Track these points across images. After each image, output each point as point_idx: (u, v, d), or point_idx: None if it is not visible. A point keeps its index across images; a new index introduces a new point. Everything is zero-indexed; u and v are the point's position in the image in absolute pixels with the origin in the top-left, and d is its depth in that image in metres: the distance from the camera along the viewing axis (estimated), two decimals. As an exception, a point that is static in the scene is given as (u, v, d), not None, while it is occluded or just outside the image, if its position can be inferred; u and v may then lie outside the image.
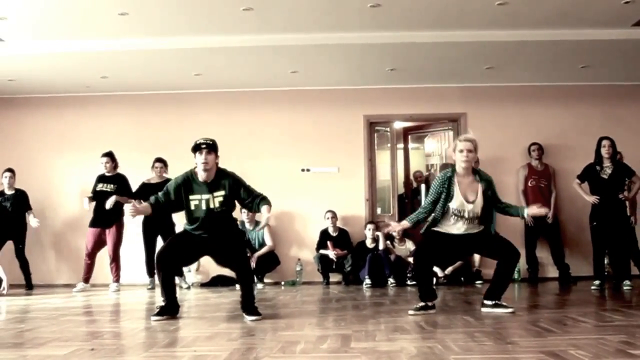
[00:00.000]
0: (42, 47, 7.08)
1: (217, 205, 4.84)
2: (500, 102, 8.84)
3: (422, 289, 5.06)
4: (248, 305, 4.91)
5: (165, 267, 4.95)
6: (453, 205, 4.92)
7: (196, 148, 4.79)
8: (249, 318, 4.78)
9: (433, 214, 5.00)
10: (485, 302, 5.01)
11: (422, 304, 4.98)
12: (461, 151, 4.91)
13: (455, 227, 4.98)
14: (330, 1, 6.05)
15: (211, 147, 4.80)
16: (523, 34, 6.89)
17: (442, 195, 4.92)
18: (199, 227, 4.91)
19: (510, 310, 4.87)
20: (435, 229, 5.04)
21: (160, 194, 4.96)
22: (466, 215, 4.92)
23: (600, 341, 3.49)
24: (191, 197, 4.86)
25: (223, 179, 4.89)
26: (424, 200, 5.18)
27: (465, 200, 4.92)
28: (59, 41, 6.99)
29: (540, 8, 6.23)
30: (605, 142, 6.99)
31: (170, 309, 4.98)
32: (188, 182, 4.88)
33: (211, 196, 4.84)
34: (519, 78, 8.61)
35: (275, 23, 6.58)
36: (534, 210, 5.13)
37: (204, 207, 4.85)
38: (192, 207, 4.87)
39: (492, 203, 5.07)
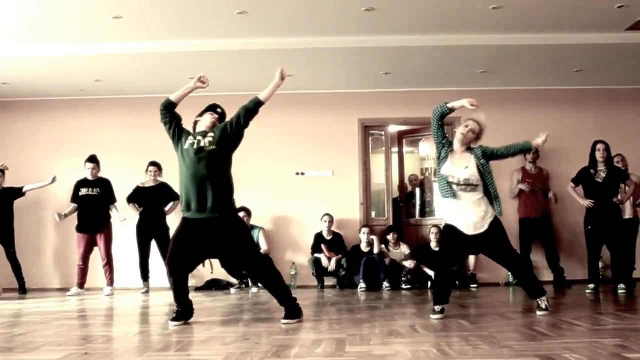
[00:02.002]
0: (36, 50, 7.06)
1: (207, 144, 4.75)
2: (495, 106, 8.82)
3: (439, 292, 5.02)
4: (286, 305, 4.82)
5: (176, 271, 4.80)
6: (445, 172, 4.96)
7: (211, 108, 5.06)
8: (284, 322, 4.69)
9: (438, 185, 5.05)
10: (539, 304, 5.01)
11: (439, 307, 4.93)
12: (466, 126, 5.08)
13: (459, 204, 4.92)
14: (324, 5, 6.05)
15: (222, 116, 5.06)
16: (517, 38, 6.91)
17: (444, 142, 5.06)
18: (191, 182, 4.69)
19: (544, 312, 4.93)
20: (448, 220, 5.04)
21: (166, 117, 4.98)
22: (456, 181, 4.91)
23: (595, 345, 3.49)
24: (183, 138, 4.84)
25: (218, 128, 4.93)
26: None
27: (455, 166, 4.97)
28: (53, 45, 6.98)
29: (534, 12, 6.25)
30: (599, 146, 7.01)
31: (185, 314, 4.87)
32: (186, 131, 4.93)
33: (202, 138, 4.81)
34: (514, 82, 8.63)
35: (270, 27, 6.58)
36: (539, 140, 5.10)
37: (195, 146, 4.76)
38: (186, 146, 4.78)
39: (494, 157, 5.19)
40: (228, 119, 5.07)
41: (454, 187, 4.93)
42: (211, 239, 4.73)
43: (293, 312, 4.82)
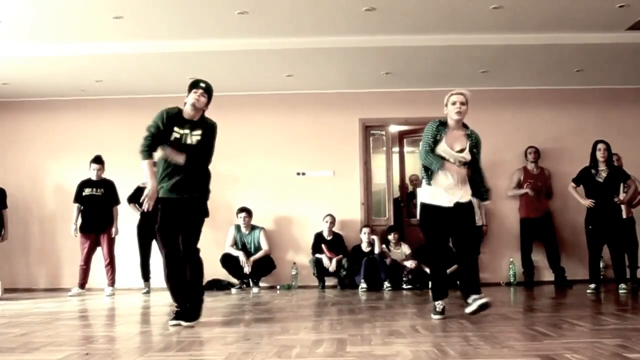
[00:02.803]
0: (37, 50, 7.06)
1: (193, 142, 4.73)
2: (496, 105, 8.84)
3: (438, 284, 4.94)
4: (192, 306, 4.77)
5: (171, 272, 4.79)
6: (438, 151, 4.80)
7: (194, 85, 4.80)
8: (184, 323, 4.62)
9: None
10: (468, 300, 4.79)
11: (439, 304, 4.87)
12: (454, 103, 4.86)
13: (445, 183, 4.77)
14: (325, 5, 6.05)
15: (207, 91, 4.81)
16: (518, 38, 6.91)
17: (437, 135, 4.83)
18: (172, 168, 4.73)
19: (486, 299, 4.66)
20: (427, 201, 4.84)
21: (151, 127, 4.83)
22: (450, 158, 4.79)
23: (596, 345, 3.49)
24: (175, 128, 4.75)
25: (205, 122, 4.83)
26: (421, 152, 4.90)
27: (450, 148, 4.82)
28: (53, 45, 6.98)
29: (535, 12, 6.24)
30: (600, 146, 7.01)
31: (184, 314, 4.79)
32: (176, 115, 4.81)
33: (190, 133, 4.74)
34: (514, 82, 8.63)
35: (270, 26, 6.58)
36: (486, 208, 4.96)
37: (183, 140, 4.74)
38: (172, 139, 4.75)
39: (474, 163, 4.92)
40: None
41: (446, 162, 4.78)
42: (178, 212, 4.77)
43: (194, 314, 4.73)
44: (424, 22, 6.50)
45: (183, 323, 4.63)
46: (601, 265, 7.56)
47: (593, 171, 7.04)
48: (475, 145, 4.91)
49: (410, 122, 9.25)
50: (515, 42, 6.99)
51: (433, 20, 6.45)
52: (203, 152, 4.78)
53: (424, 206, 4.93)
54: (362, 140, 8.94)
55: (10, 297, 7.59)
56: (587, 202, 7.08)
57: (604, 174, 6.99)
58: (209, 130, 4.81)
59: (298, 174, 8.88)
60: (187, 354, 3.55)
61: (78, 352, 3.64)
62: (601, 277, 7.34)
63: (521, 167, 8.49)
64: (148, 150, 4.85)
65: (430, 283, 5.26)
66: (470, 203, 4.89)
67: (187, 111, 4.79)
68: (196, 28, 6.60)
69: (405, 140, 9.79)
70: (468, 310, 4.77)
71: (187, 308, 4.75)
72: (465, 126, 4.99)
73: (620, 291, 6.74)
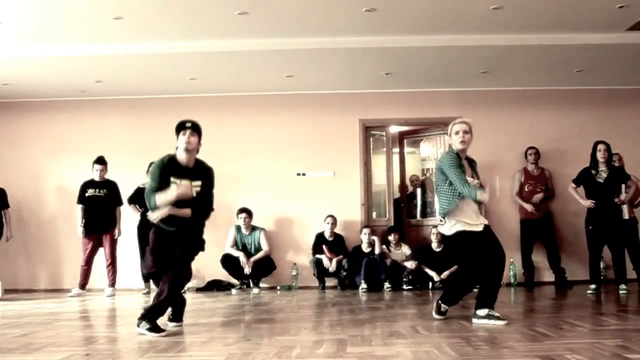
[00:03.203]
0: (37, 51, 7.06)
1: (193, 194, 4.53)
2: (496, 106, 8.85)
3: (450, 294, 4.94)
4: (174, 313, 4.77)
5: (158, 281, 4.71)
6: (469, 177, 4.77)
7: (180, 127, 4.56)
8: (143, 327, 4.40)
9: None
10: (478, 312, 4.71)
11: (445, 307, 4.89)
12: (457, 133, 4.83)
13: (472, 209, 4.76)
14: (325, 5, 6.05)
15: (195, 129, 4.57)
16: (518, 38, 6.91)
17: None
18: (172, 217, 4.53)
19: (503, 322, 4.56)
20: (462, 228, 4.73)
21: (152, 184, 4.54)
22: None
23: (597, 345, 3.49)
24: (172, 178, 4.50)
25: (203, 170, 4.64)
26: (452, 185, 4.72)
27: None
28: (53, 45, 6.98)
29: (535, 12, 6.24)
30: (600, 147, 7.01)
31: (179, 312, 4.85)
32: (172, 164, 4.55)
33: (189, 184, 4.53)
34: (515, 82, 8.63)
35: (271, 27, 6.58)
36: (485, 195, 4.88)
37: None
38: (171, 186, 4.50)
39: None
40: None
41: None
42: (175, 240, 4.63)
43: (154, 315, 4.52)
44: (424, 22, 6.50)
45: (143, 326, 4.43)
46: (601, 265, 7.57)
47: (593, 172, 7.04)
48: (474, 170, 4.96)
49: (410, 123, 9.25)
50: (515, 43, 6.99)
51: (433, 20, 6.45)
52: (206, 203, 4.63)
53: (462, 234, 4.76)
54: (363, 141, 8.94)
55: (11, 298, 7.59)
56: (588, 203, 7.08)
57: (604, 175, 6.99)
58: (207, 178, 4.64)
59: (298, 174, 8.88)
60: (187, 355, 3.55)
61: (78, 352, 3.64)
62: (601, 277, 7.34)
63: (521, 168, 8.49)
64: (153, 206, 4.57)
65: (447, 287, 5.21)
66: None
67: (181, 157, 4.56)
68: (196, 28, 6.60)
69: (405, 140, 9.79)
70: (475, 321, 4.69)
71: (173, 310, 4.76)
72: (468, 159, 4.98)
73: (621, 292, 6.74)
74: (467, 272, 5.06)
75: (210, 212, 4.72)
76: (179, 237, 4.60)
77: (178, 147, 4.56)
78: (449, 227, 4.75)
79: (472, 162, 4.98)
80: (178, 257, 4.58)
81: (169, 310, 4.77)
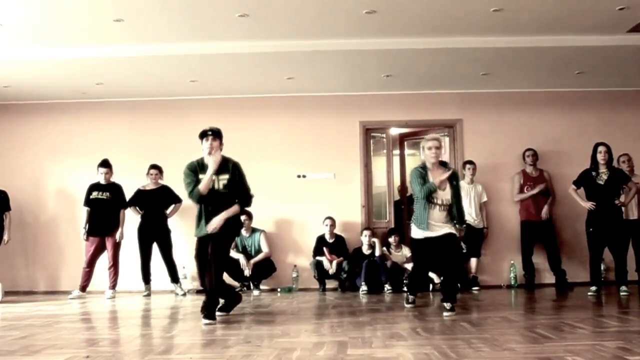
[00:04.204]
0: (38, 53, 7.06)
1: (221, 187, 5.30)
2: (496, 108, 8.85)
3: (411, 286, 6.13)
4: (226, 305, 5.55)
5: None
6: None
7: (203, 135, 5.38)
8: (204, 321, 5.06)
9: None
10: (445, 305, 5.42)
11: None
12: (429, 148, 5.70)
13: (432, 217, 5.62)
14: (325, 8, 6.05)
15: (216, 134, 5.38)
16: (518, 40, 6.90)
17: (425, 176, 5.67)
18: (205, 210, 5.31)
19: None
20: (416, 236, 5.75)
21: (189, 183, 5.32)
22: (439, 201, 5.60)
23: (597, 347, 3.49)
24: (200, 176, 5.31)
25: (227, 164, 5.38)
26: (416, 195, 5.82)
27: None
28: (54, 48, 6.98)
29: (535, 14, 6.24)
30: (601, 148, 7.01)
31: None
32: (199, 165, 5.38)
33: (216, 178, 5.29)
34: (515, 84, 8.62)
35: (271, 29, 6.58)
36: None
37: (212, 185, 5.28)
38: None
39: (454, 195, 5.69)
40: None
41: (434, 206, 5.64)
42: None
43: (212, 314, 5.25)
44: (425, 24, 6.50)
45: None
46: (602, 267, 7.56)
47: (594, 173, 7.04)
48: (453, 177, 5.69)
49: (410, 125, 9.25)
50: (515, 45, 6.98)
51: (433, 22, 6.44)
52: (242, 191, 5.47)
53: (414, 240, 5.89)
54: (363, 143, 8.93)
55: (11, 300, 7.58)
56: (588, 205, 7.07)
57: (604, 177, 6.99)
58: (234, 171, 5.39)
59: (299, 176, 8.88)
60: (187, 357, 3.55)
61: (79, 354, 3.64)
62: (602, 279, 7.33)
63: (520, 170, 8.48)
64: (196, 194, 5.31)
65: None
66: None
67: (207, 160, 5.33)
68: (196, 31, 6.60)
69: (405, 142, 9.79)
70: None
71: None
72: (443, 164, 5.84)
73: (622, 293, 6.74)
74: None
75: (250, 198, 5.58)
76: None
77: (204, 151, 5.37)
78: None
79: (445, 164, 5.85)
80: (212, 249, 5.23)
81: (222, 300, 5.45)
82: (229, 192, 5.34)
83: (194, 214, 5.49)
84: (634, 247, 7.38)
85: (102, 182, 7.99)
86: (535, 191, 8.20)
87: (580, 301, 6.42)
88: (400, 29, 6.60)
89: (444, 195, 5.61)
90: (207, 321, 5.01)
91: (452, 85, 8.63)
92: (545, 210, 8.21)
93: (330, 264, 8.18)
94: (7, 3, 5.76)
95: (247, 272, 8.06)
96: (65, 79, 7.99)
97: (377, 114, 8.94)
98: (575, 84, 8.58)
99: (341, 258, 8.25)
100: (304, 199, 8.78)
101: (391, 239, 8.47)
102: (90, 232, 7.92)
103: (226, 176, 5.32)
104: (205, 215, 5.31)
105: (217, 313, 5.26)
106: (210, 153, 5.29)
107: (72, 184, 8.76)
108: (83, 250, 8.04)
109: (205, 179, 5.22)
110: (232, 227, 5.44)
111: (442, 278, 6.14)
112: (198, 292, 8.26)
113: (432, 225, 5.61)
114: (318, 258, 8.28)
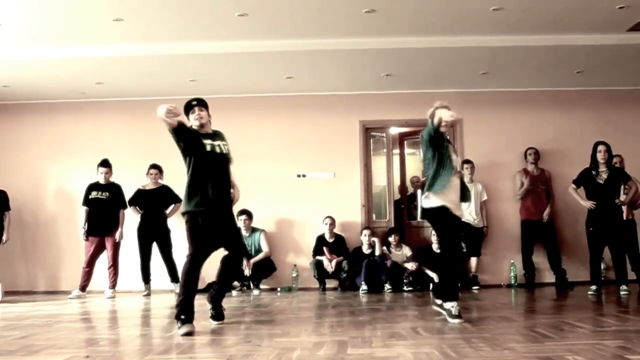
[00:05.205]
0: (38, 53, 7.06)
1: (225, 150, 4.93)
2: (496, 107, 8.84)
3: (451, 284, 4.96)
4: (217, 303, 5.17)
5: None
6: (454, 159, 5.05)
7: (188, 107, 4.87)
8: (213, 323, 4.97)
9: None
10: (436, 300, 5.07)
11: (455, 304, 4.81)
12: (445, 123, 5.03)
13: (453, 187, 4.90)
14: (325, 7, 6.05)
15: (201, 104, 4.89)
16: (518, 40, 6.90)
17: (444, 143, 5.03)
18: (210, 177, 4.80)
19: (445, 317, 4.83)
20: (439, 203, 4.86)
21: (183, 143, 4.77)
22: (454, 164, 4.99)
23: (597, 346, 3.48)
24: (203, 140, 4.81)
25: (220, 133, 5.03)
26: (429, 160, 5.05)
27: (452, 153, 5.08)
28: (54, 47, 6.98)
29: (535, 13, 6.24)
30: (601, 147, 7.00)
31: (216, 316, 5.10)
32: (197, 131, 4.86)
33: (220, 142, 4.92)
34: (515, 83, 8.62)
35: (270, 29, 6.57)
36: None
37: (217, 150, 4.86)
38: (208, 149, 4.81)
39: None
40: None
41: (451, 171, 4.95)
42: (217, 227, 4.90)
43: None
44: (424, 23, 6.50)
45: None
46: (602, 266, 7.56)
47: (593, 172, 7.04)
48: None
49: (410, 124, 9.24)
50: (515, 44, 6.99)
51: (433, 22, 6.44)
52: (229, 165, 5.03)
53: (443, 207, 4.92)
54: (363, 142, 8.93)
55: (11, 300, 7.58)
56: (588, 204, 7.07)
57: (604, 176, 6.99)
58: (224, 138, 5.04)
59: (298, 176, 8.88)
60: (187, 357, 3.54)
61: (79, 354, 3.64)
62: (602, 278, 7.33)
63: (521, 169, 8.48)
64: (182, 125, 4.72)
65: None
66: None
67: (199, 130, 4.86)
68: (196, 30, 6.60)
69: (405, 142, 9.79)
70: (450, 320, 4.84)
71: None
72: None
73: (622, 292, 6.73)
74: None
75: None
76: (223, 220, 4.97)
77: (192, 125, 4.84)
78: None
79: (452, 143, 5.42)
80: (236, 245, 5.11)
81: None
82: (230, 160, 5.00)
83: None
84: (626, 249, 7.33)
85: (102, 181, 7.99)
86: (530, 186, 8.20)
87: (580, 300, 6.42)
88: (400, 28, 6.60)
89: (457, 161, 5.11)
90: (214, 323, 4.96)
91: (452, 85, 8.62)
92: (547, 212, 8.21)
93: (330, 264, 8.18)
94: (7, 3, 5.77)
95: (247, 272, 8.06)
96: (65, 78, 7.99)
97: (377, 113, 8.94)
98: (575, 83, 8.58)
99: (341, 257, 8.25)
100: (304, 198, 8.77)
101: (391, 239, 8.47)
102: (89, 232, 7.92)
103: (225, 142, 4.99)
104: (212, 185, 4.79)
105: (214, 322, 5.01)
106: (202, 125, 4.83)
107: (71, 183, 8.76)
108: (83, 250, 8.04)
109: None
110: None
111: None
112: (198, 291, 8.23)
113: (451, 196, 4.91)
114: (318, 257, 8.28)
